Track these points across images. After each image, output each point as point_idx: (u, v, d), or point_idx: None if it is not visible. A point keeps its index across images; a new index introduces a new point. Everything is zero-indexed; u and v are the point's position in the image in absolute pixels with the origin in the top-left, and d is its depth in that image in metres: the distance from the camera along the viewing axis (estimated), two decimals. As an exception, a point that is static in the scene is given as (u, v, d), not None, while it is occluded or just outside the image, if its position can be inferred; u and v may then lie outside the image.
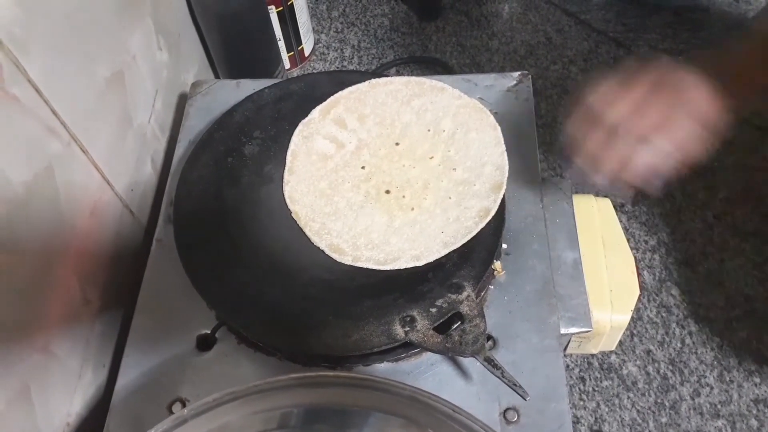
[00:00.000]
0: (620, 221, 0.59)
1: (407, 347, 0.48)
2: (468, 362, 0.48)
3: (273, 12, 0.83)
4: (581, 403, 0.71)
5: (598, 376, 0.72)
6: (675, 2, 0.99)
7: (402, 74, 0.92)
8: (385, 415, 0.35)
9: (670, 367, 0.72)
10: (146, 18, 0.63)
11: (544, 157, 0.87)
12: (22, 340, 0.44)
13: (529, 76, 0.63)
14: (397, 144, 0.55)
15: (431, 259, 0.49)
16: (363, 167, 0.54)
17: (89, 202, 0.51)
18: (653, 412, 0.70)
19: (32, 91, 0.43)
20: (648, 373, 0.72)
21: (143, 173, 0.61)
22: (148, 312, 0.52)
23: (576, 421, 0.70)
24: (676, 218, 0.81)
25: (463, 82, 0.62)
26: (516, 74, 0.63)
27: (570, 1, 1.03)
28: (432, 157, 0.54)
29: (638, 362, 0.72)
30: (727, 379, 0.71)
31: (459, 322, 0.45)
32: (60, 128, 0.47)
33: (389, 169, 0.54)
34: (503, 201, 0.51)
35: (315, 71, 0.67)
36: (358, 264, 0.49)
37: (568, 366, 0.72)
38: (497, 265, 0.51)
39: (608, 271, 0.55)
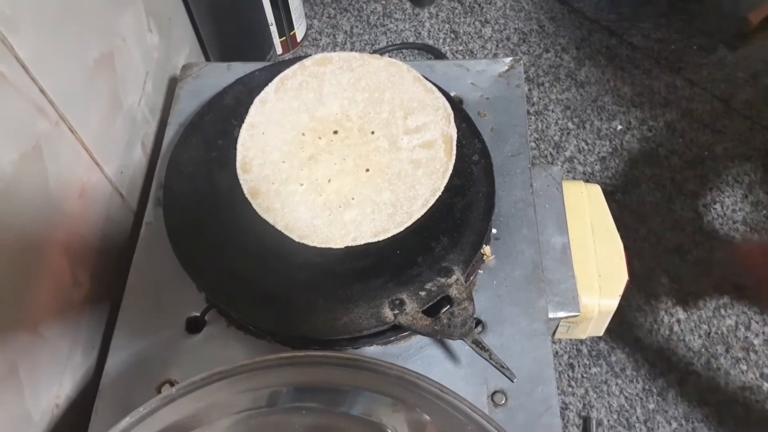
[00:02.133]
0: (611, 210, 0.60)
1: (396, 330, 0.48)
2: (456, 346, 0.48)
3: (265, -4, 0.83)
4: (570, 389, 0.71)
5: (587, 362, 0.72)
6: (668, -9, 0.99)
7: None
8: (373, 394, 0.35)
9: (659, 354, 0.73)
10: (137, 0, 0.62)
11: (535, 145, 0.87)
12: (10, 320, 0.44)
13: (521, 62, 0.62)
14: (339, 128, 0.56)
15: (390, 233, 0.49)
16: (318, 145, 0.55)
17: (78, 183, 0.51)
18: (641, 399, 0.70)
19: (20, 69, 0.43)
20: (636, 360, 0.72)
21: (133, 156, 0.61)
22: (138, 294, 0.52)
23: (565, 407, 0.70)
24: (666, 207, 0.82)
25: (454, 67, 0.62)
26: (507, 60, 0.63)
27: (564, -10, 1.03)
28: (373, 132, 0.55)
29: (627, 349, 0.73)
30: (714, 366, 0.72)
31: (448, 306, 0.45)
32: (48, 107, 0.46)
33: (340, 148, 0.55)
34: (493, 185, 0.52)
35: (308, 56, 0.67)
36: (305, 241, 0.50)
37: (557, 353, 0.73)
38: (486, 249, 0.51)
39: (597, 257, 0.55)
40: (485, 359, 0.44)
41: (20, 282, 0.45)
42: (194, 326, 0.50)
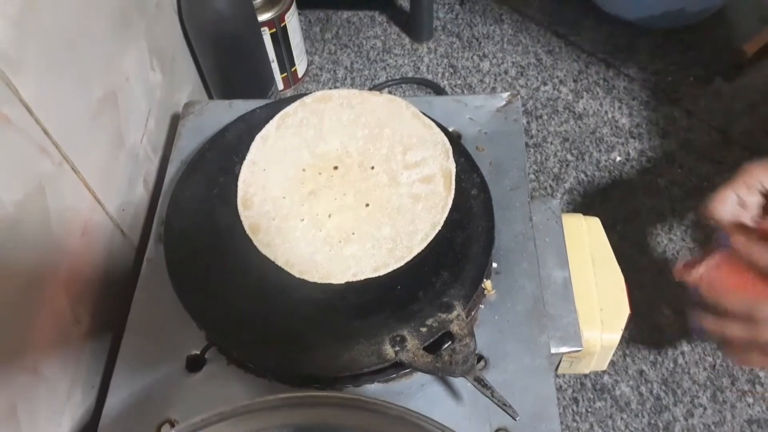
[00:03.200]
0: (611, 240, 0.60)
1: (398, 367, 0.48)
2: (458, 382, 0.48)
3: (266, 34, 0.84)
4: (574, 424, 0.70)
5: (591, 396, 0.71)
6: (664, 24, 1.00)
7: (394, 95, 0.93)
8: (373, 436, 0.35)
9: (663, 387, 0.72)
10: (140, 39, 0.63)
11: (534, 177, 0.87)
12: (10, 360, 0.43)
13: (519, 97, 0.63)
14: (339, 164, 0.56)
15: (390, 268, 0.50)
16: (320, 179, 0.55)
17: (80, 222, 0.51)
18: (647, 433, 0.70)
19: (24, 111, 0.43)
20: (641, 394, 0.71)
21: (135, 193, 0.61)
22: (138, 332, 0.52)
23: (569, 442, 0.69)
24: (666, 238, 0.82)
25: (452, 102, 0.63)
26: (505, 95, 0.63)
27: (560, 23, 1.04)
28: (373, 167, 0.55)
29: (631, 382, 0.72)
30: (720, 399, 0.71)
31: (449, 342, 0.45)
32: (51, 148, 0.47)
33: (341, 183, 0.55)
34: (492, 219, 0.52)
35: (308, 92, 0.68)
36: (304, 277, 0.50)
37: (560, 387, 0.72)
38: (487, 284, 0.51)
39: (598, 290, 0.55)
40: (488, 397, 0.43)
41: (21, 321, 0.45)
42: (194, 364, 0.50)
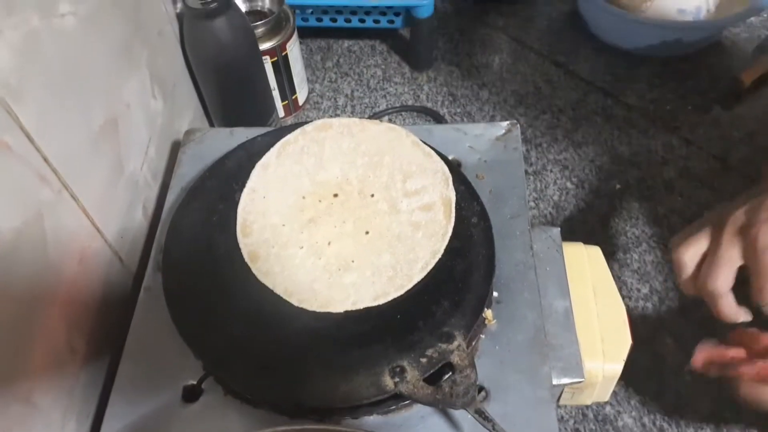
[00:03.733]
0: (612, 269, 0.59)
1: (397, 399, 0.47)
2: (459, 414, 0.47)
3: (268, 62, 0.85)
4: (577, 455, 0.69)
5: (594, 428, 0.70)
6: (661, 53, 1.01)
7: (394, 123, 0.93)
8: (372, 471, 0.34)
9: (666, 418, 0.71)
10: (142, 67, 0.64)
11: (534, 205, 0.87)
12: (4, 389, 0.43)
13: (518, 126, 0.63)
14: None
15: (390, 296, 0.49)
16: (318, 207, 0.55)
17: (78, 249, 0.51)
18: (650, 466, 0.68)
19: (24, 139, 0.43)
20: (644, 425, 0.70)
21: (134, 220, 0.61)
22: (134, 361, 0.51)
23: (572, 474, 0.68)
24: (668, 266, 0.81)
25: (452, 131, 0.63)
26: (505, 123, 0.64)
27: (559, 52, 1.05)
28: (373, 195, 0.56)
29: (634, 413, 0.71)
30: (725, 431, 0.70)
31: (450, 373, 0.45)
32: (51, 176, 0.47)
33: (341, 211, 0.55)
34: (493, 247, 0.51)
35: (309, 120, 0.69)
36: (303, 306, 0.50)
37: (562, 418, 0.71)
38: (488, 313, 0.51)
39: (599, 320, 0.54)
40: (489, 430, 0.43)
41: (17, 349, 0.44)
42: (191, 395, 0.49)
